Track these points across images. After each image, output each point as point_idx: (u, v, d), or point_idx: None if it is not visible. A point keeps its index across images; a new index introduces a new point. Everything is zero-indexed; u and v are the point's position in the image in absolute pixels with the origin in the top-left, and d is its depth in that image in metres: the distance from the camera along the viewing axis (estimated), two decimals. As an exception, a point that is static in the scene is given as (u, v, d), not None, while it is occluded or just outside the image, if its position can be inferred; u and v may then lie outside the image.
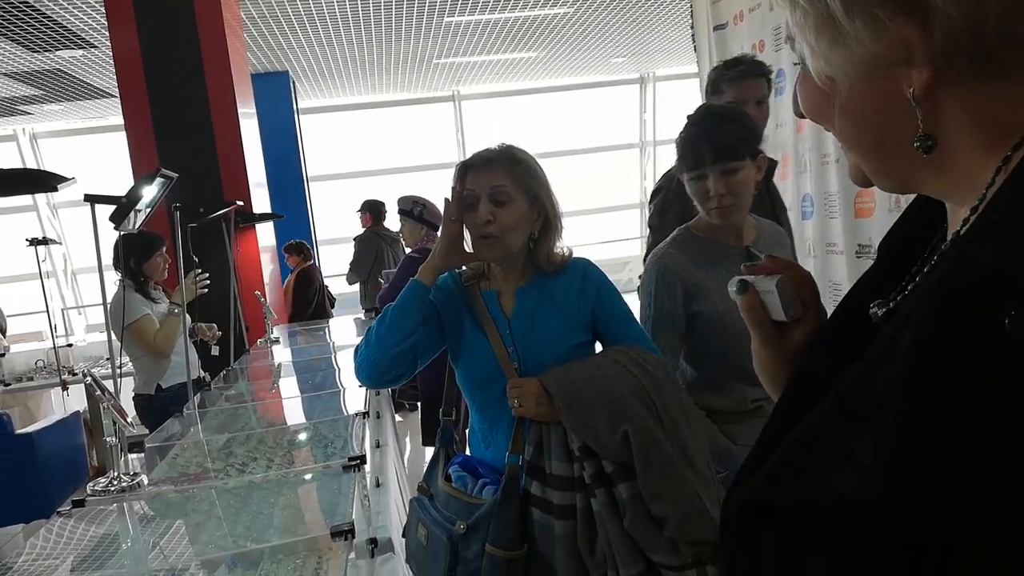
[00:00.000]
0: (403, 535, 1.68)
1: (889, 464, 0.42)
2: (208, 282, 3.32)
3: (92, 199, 2.07)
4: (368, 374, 1.61)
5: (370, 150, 11.36)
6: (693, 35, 5.95)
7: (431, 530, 1.56)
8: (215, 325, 3.59)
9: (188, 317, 3.29)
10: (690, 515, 1.39)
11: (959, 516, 0.39)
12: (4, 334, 5.47)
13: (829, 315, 0.67)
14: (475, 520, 1.49)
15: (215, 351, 3.55)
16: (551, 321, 1.58)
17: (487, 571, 1.46)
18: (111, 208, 2.21)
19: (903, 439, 0.42)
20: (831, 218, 4.40)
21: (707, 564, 1.42)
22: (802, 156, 4.65)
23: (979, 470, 0.39)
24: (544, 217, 1.59)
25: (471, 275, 1.65)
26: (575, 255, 1.67)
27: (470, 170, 1.58)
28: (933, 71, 0.48)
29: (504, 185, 1.54)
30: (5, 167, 1.46)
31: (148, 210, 2.29)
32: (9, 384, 4.63)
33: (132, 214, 2.15)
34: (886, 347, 0.49)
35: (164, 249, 3.33)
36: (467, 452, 1.70)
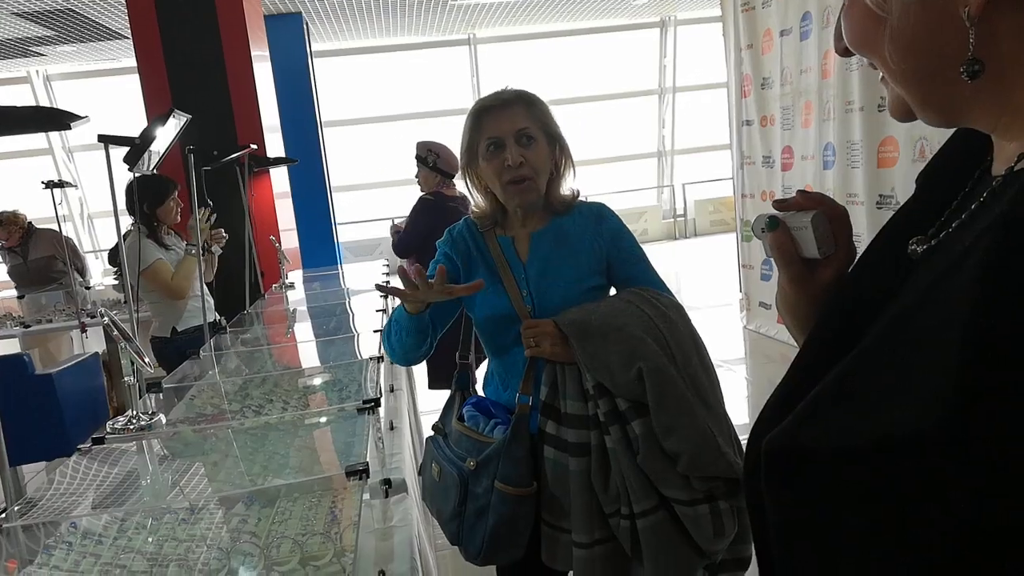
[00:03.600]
0: (419, 473, 1.73)
1: (952, 401, 0.41)
2: (215, 216, 3.31)
3: (106, 139, 2.06)
4: (400, 362, 1.76)
5: (385, 96, 11.22)
6: (717, -24, 5.78)
7: (443, 467, 1.61)
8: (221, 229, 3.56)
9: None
10: (702, 450, 1.42)
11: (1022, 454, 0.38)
12: (83, 275, 5.57)
13: (862, 251, 0.65)
14: (485, 457, 1.53)
15: (215, 250, 3.52)
16: (565, 265, 1.60)
17: (495, 507, 1.50)
18: (125, 150, 2.20)
19: (967, 376, 0.41)
20: (853, 167, 4.33)
21: (719, 500, 1.45)
22: (826, 103, 4.55)
23: None
24: (561, 155, 1.62)
25: (488, 221, 1.66)
26: (591, 199, 1.69)
27: (487, 113, 1.58)
28: None
29: (527, 127, 1.56)
30: (16, 105, 1.44)
31: (162, 152, 2.28)
32: (29, 326, 4.69)
33: (146, 155, 2.14)
34: (937, 283, 0.47)
35: (177, 193, 3.33)
36: (483, 395, 1.72)
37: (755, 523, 0.59)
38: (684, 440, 1.41)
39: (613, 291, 1.66)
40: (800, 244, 0.69)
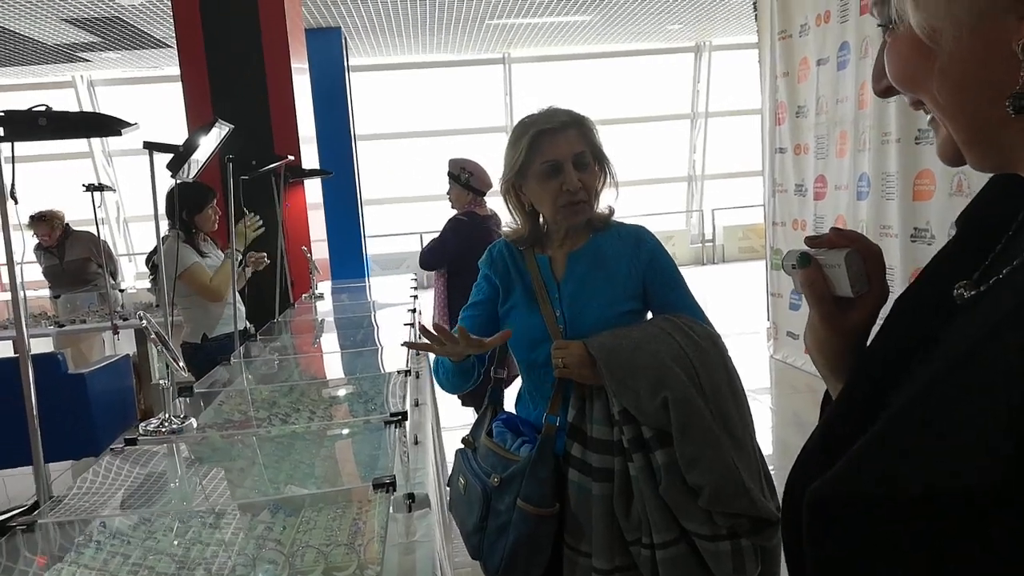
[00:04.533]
0: (448, 484, 1.76)
1: (1011, 453, 0.40)
2: (262, 224, 3.38)
3: (151, 146, 2.11)
4: (452, 393, 1.84)
5: (418, 111, 11.35)
6: (755, 2, 5.78)
7: (469, 480, 1.63)
8: (264, 254, 3.62)
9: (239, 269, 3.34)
10: (725, 485, 1.39)
11: None
12: (115, 277, 5.68)
13: (902, 293, 0.64)
14: (509, 474, 1.54)
15: (248, 273, 3.58)
16: (600, 287, 1.60)
17: (516, 524, 1.51)
18: (167, 157, 2.25)
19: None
20: (887, 199, 4.28)
21: (741, 537, 1.43)
22: (862, 134, 4.52)
23: None
24: (605, 174, 1.64)
25: (525, 240, 1.67)
26: (631, 223, 1.69)
27: (544, 136, 1.57)
28: None
29: (584, 150, 1.58)
30: (70, 111, 1.49)
31: (204, 160, 2.33)
32: (63, 325, 4.79)
33: (188, 163, 2.19)
34: (992, 333, 0.46)
35: (215, 202, 3.38)
36: (514, 412, 1.73)
37: (793, 571, 0.58)
38: (707, 473, 1.39)
39: (650, 315, 1.66)
40: (832, 282, 0.68)
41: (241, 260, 3.37)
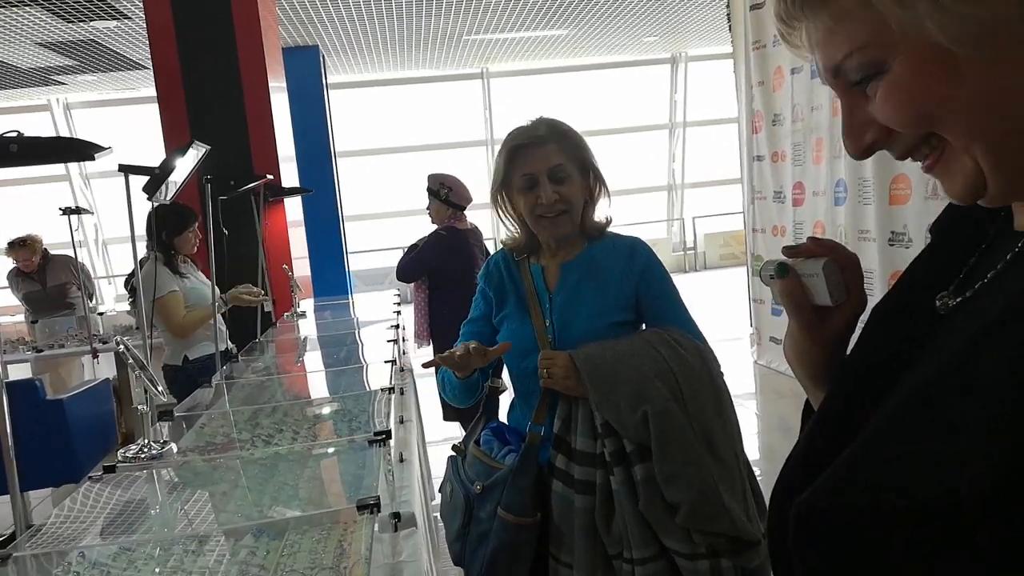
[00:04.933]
0: (439, 491, 1.77)
1: (1000, 460, 0.40)
2: (261, 293, 3.40)
3: (126, 169, 2.09)
4: (459, 407, 1.78)
5: (398, 127, 11.35)
6: (728, 14, 5.85)
7: (455, 487, 1.64)
8: (251, 286, 3.55)
9: (218, 297, 3.31)
10: (704, 503, 1.38)
11: None
12: (92, 297, 5.61)
13: (880, 302, 0.64)
14: (492, 482, 1.54)
15: (268, 307, 3.57)
16: (590, 298, 1.59)
17: (497, 532, 1.51)
18: (144, 179, 2.23)
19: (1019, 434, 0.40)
20: (865, 204, 4.33)
21: (721, 557, 1.40)
22: (838, 140, 4.56)
23: None
24: (596, 183, 1.63)
25: (522, 249, 1.68)
26: (628, 235, 1.68)
27: (521, 150, 1.58)
28: None
29: (561, 163, 1.57)
30: (42, 136, 1.47)
31: (180, 182, 2.31)
32: (41, 350, 4.72)
33: (165, 185, 2.17)
34: (976, 343, 0.46)
35: (197, 224, 3.36)
36: (506, 421, 1.74)
37: None
38: (685, 491, 1.37)
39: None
40: (811, 291, 0.68)
41: (222, 299, 3.34)
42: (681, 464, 1.38)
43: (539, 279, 1.65)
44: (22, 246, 5.26)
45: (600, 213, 1.66)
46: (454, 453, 1.73)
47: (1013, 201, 0.52)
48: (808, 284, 0.68)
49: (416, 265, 3.72)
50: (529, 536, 1.51)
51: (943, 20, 0.46)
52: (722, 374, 1.56)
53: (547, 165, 1.56)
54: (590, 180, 1.62)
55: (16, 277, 5.39)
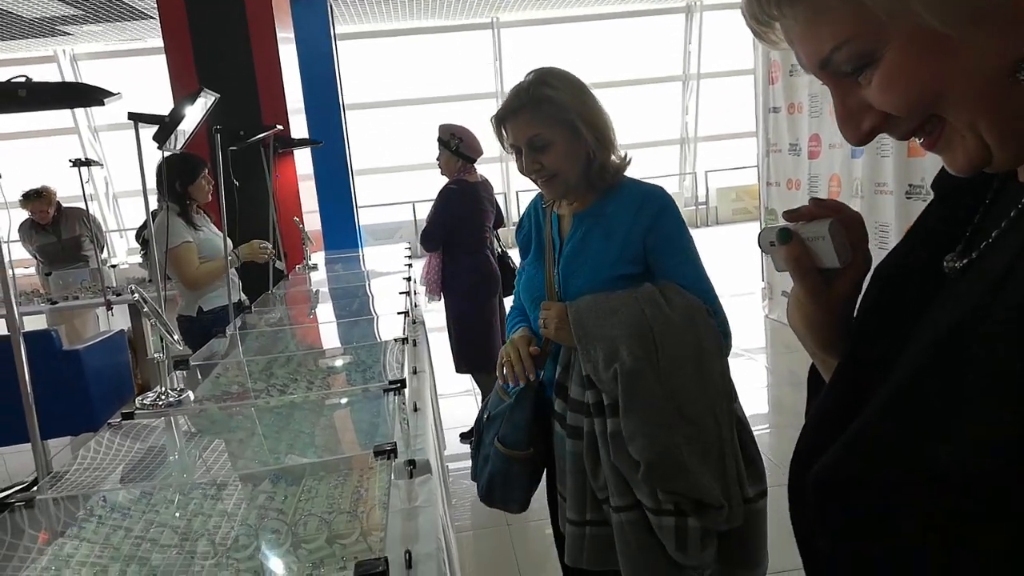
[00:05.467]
0: None
1: (1010, 431, 0.40)
2: (272, 253, 3.39)
3: (136, 117, 2.07)
4: None
5: (407, 79, 11.21)
6: (746, -40, 5.68)
7: (480, 414, 1.78)
8: (267, 244, 3.54)
9: (232, 257, 3.31)
10: (661, 463, 1.38)
11: None
12: (103, 249, 5.62)
13: (883, 262, 0.63)
14: (496, 413, 1.67)
15: (280, 265, 3.58)
16: (596, 250, 1.58)
17: (492, 460, 1.65)
18: (153, 129, 2.21)
19: None
20: (883, 157, 4.25)
21: (688, 516, 1.41)
22: (855, 91, 4.47)
23: None
24: (592, 136, 1.56)
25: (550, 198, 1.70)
26: (650, 183, 1.64)
27: (504, 122, 1.59)
28: None
29: (538, 133, 1.55)
30: (50, 81, 1.45)
31: (190, 131, 2.29)
32: (56, 302, 4.76)
33: (175, 134, 2.15)
34: (985, 304, 0.45)
35: (207, 171, 3.34)
36: None
37: (805, 555, 0.57)
38: (645, 449, 1.38)
39: None
40: (817, 255, 0.66)
41: (234, 251, 3.33)
42: (642, 423, 1.39)
43: (555, 228, 1.66)
44: (37, 197, 5.25)
45: (611, 161, 1.61)
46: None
47: (1020, 166, 0.51)
48: (813, 247, 0.66)
49: (436, 228, 3.68)
50: (522, 469, 1.62)
51: (930, 2, 0.46)
52: (722, 335, 1.52)
53: (524, 136, 1.56)
54: (584, 137, 1.55)
55: (30, 229, 5.40)
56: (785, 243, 0.67)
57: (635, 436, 1.39)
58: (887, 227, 4.11)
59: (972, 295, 0.48)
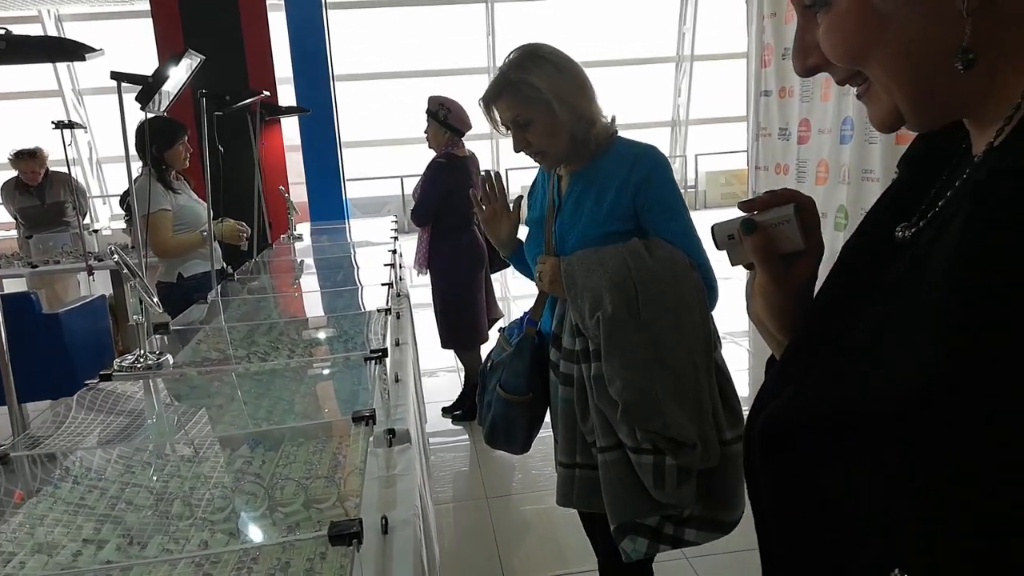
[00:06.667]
0: None
1: (931, 368, 0.43)
2: (248, 238, 3.35)
3: (119, 77, 2.03)
4: None
5: (398, 52, 11.09)
6: (743, -60, 5.65)
7: (485, 363, 1.89)
8: (245, 227, 3.54)
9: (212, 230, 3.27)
10: (639, 405, 1.47)
11: (996, 417, 0.40)
12: (86, 216, 5.54)
13: (848, 240, 0.66)
14: (498, 361, 1.80)
15: (244, 247, 3.55)
16: (588, 208, 1.66)
17: (495, 405, 1.77)
18: (137, 90, 2.17)
19: (949, 343, 0.42)
20: (871, 143, 4.27)
21: (666, 455, 1.50)
22: (847, 76, 4.47)
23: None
24: (572, 114, 1.62)
25: None
26: (644, 143, 1.69)
27: (491, 104, 1.67)
28: None
29: (519, 113, 1.63)
30: (31, 34, 1.42)
31: (174, 93, 2.25)
32: (36, 266, 4.70)
33: (158, 96, 2.11)
34: (920, 257, 0.49)
35: (187, 138, 3.29)
36: None
37: (753, 497, 0.61)
38: (622, 391, 1.48)
39: None
40: (780, 240, 0.68)
41: (214, 220, 3.29)
42: (620, 366, 1.49)
43: (556, 188, 1.74)
44: (31, 158, 5.15)
45: (598, 127, 1.65)
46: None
47: (932, 128, 0.56)
48: (775, 234, 0.68)
49: (427, 203, 3.65)
50: (521, 412, 1.74)
51: None
52: (704, 289, 1.59)
53: (508, 117, 1.65)
54: (560, 115, 1.60)
55: (14, 190, 5.31)
56: (750, 233, 0.68)
57: (614, 378, 1.49)
58: (872, 214, 4.13)
59: (912, 260, 0.52)
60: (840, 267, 0.63)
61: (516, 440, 1.80)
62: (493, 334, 1.96)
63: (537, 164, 1.76)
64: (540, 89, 1.59)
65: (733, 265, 0.73)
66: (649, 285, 1.51)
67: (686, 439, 1.49)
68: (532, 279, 1.81)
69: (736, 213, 0.72)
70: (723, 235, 0.71)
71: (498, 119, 1.68)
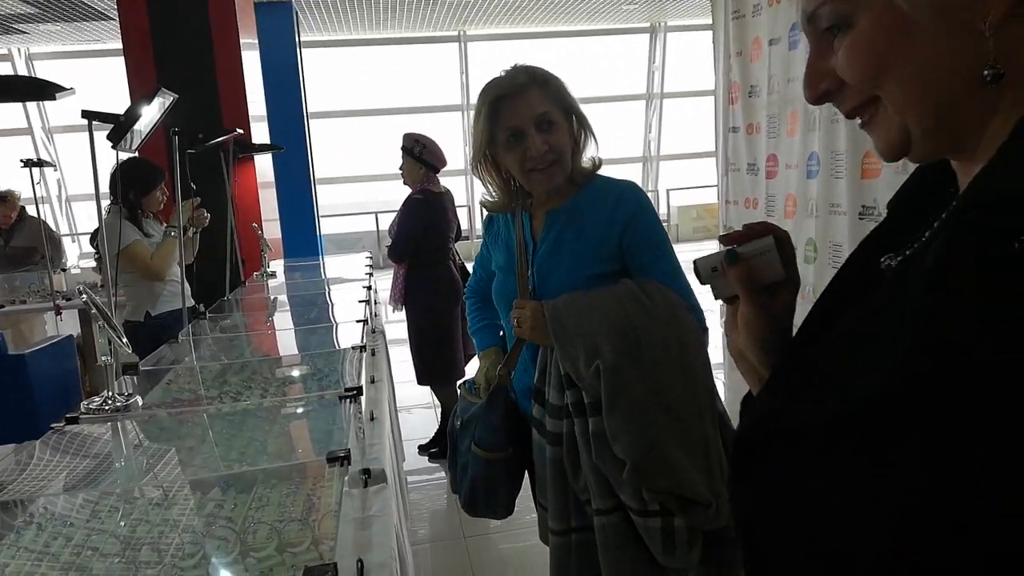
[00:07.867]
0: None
1: (899, 375, 0.44)
2: (208, 216, 3.30)
3: (90, 116, 2.01)
4: None
5: (372, 89, 11.17)
6: (709, -18, 5.80)
7: (452, 423, 1.75)
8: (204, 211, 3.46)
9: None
10: (648, 462, 1.35)
11: (963, 420, 0.41)
12: (56, 262, 5.41)
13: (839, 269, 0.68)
14: (469, 418, 1.65)
15: (206, 223, 3.45)
16: (571, 249, 1.54)
17: (472, 465, 1.61)
18: (108, 129, 2.15)
19: (916, 354, 0.43)
20: (836, 178, 4.35)
21: (675, 516, 1.38)
22: (812, 113, 4.57)
23: (986, 386, 0.40)
24: (580, 128, 1.57)
25: (507, 208, 1.66)
26: (623, 180, 1.62)
27: (503, 102, 1.52)
28: (1012, 2, 0.48)
29: (547, 110, 1.51)
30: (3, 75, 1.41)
31: (146, 132, 2.24)
32: (3, 306, 4.60)
33: (130, 134, 2.10)
34: (899, 280, 0.50)
35: (164, 183, 3.27)
36: None
37: (741, 536, 0.61)
38: (629, 448, 1.35)
39: None
40: (763, 271, 0.70)
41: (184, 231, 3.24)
42: (625, 421, 1.36)
43: (527, 229, 1.61)
44: (1, 201, 5.07)
45: (587, 157, 1.60)
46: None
47: (932, 158, 0.56)
48: (758, 264, 0.70)
49: (404, 240, 3.64)
50: (501, 470, 1.59)
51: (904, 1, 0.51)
52: (700, 331, 1.51)
53: (533, 114, 1.50)
54: (574, 126, 1.56)
55: None
56: (733, 264, 0.69)
57: (619, 434, 1.36)
58: (840, 247, 4.20)
59: (895, 275, 0.54)
60: (827, 294, 0.65)
61: (500, 503, 1.63)
62: (470, 370, 1.89)
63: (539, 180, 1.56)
64: (565, 91, 1.53)
65: (716, 298, 0.73)
66: (650, 331, 1.39)
67: (700, 497, 1.36)
68: (483, 345, 1.73)
69: (712, 245, 0.74)
70: (707, 268, 0.72)
71: (504, 120, 1.52)
